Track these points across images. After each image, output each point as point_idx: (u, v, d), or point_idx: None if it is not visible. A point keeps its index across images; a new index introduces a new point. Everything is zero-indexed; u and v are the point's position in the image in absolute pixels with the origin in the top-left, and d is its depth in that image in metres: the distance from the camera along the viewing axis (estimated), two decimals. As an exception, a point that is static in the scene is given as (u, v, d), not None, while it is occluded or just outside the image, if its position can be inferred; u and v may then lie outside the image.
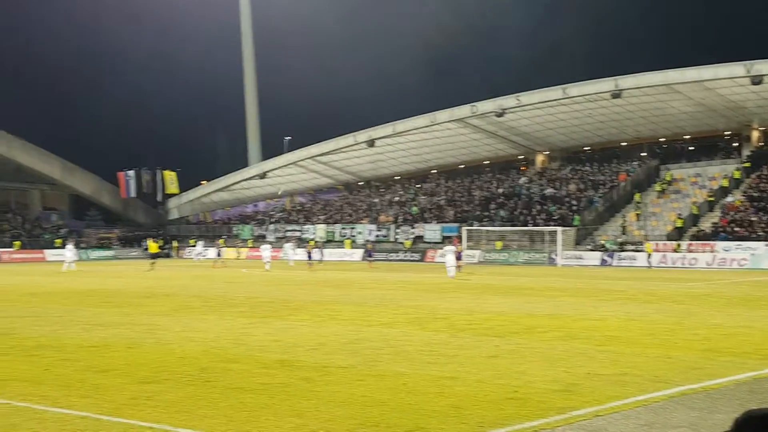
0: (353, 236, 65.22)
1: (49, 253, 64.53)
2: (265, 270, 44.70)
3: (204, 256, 61.14)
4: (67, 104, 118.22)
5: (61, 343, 14.96)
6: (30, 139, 71.14)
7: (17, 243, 65.22)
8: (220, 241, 63.87)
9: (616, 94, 53.04)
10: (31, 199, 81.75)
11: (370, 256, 54.44)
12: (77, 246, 55.17)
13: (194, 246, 67.13)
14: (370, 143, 65.52)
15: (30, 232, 70.25)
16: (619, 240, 53.36)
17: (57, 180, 74.93)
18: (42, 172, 72.43)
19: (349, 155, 70.20)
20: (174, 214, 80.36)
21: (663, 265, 47.89)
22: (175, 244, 73.28)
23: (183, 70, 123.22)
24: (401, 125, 63.97)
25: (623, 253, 51.21)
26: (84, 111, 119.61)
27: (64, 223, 77.24)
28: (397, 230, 63.58)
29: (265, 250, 47.89)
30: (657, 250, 49.78)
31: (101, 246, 72.18)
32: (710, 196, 55.24)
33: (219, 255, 53.86)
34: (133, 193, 76.85)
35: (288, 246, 57.92)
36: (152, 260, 48.26)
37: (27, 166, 70.83)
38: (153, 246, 51.69)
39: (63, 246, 55.80)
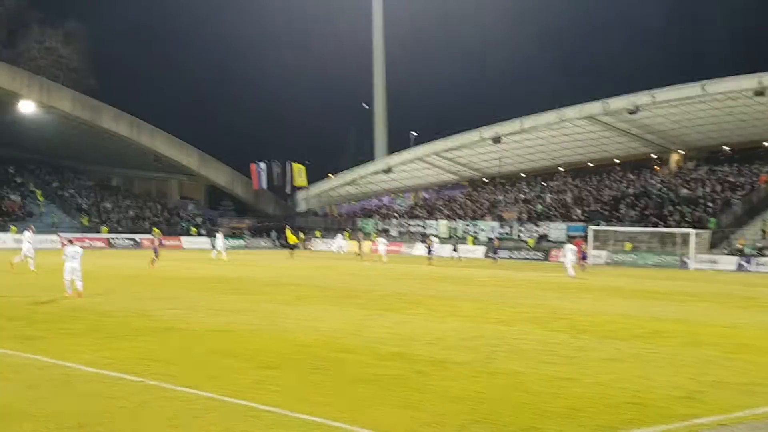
0: (476, 233, 64.87)
1: (186, 241, 67.65)
2: (382, 263, 45.49)
3: (344, 249, 61.95)
4: (206, 99, 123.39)
5: (191, 326, 15.68)
6: (171, 131, 74.70)
7: (157, 231, 68.76)
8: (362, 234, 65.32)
9: (759, 92, 50.24)
10: (170, 188, 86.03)
11: (495, 252, 54.04)
12: (225, 235, 57.42)
13: (320, 237, 68.62)
14: (496, 139, 64.92)
15: (168, 220, 73.85)
16: (759, 244, 50.60)
17: (194, 171, 78.35)
18: (181, 162, 75.90)
19: (474, 151, 69.84)
20: (302, 207, 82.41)
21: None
22: (302, 235, 75.16)
23: (314, 65, 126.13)
24: (528, 122, 63.04)
25: (762, 258, 48.54)
26: (221, 105, 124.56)
27: (200, 212, 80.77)
28: (521, 228, 62.75)
29: (381, 244, 49.08)
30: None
31: (233, 235, 75.00)
32: None
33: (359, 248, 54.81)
34: (264, 185, 79.31)
35: (338, 237, 62.57)
36: (291, 250, 52.01)
37: (167, 156, 74.43)
38: (292, 237, 54.84)
39: (212, 235, 59.63)
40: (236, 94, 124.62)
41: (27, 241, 31.64)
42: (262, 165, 78.60)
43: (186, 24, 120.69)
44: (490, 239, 61.99)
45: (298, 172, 79.47)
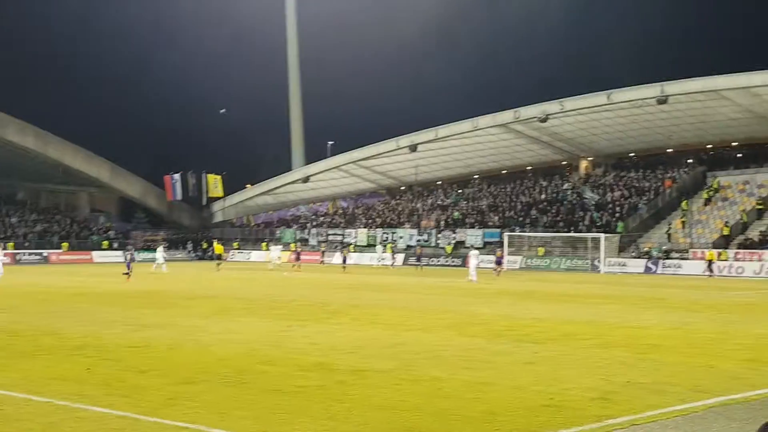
0: (395, 241, 65.26)
1: (97, 255, 65.72)
2: (269, 269, 47.46)
3: (280, 259, 60.87)
4: (117, 109, 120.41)
5: (103, 343, 15.23)
6: (80, 143, 72.63)
7: (65, 244, 66.59)
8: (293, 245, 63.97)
9: (662, 100, 52.28)
10: (80, 201, 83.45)
11: (419, 260, 54.37)
12: (141, 249, 56.36)
13: (237, 249, 67.76)
14: (413, 148, 65.54)
15: (78, 234, 71.64)
16: (664, 247, 52.54)
17: (105, 183, 76.33)
18: (91, 175, 73.86)
19: (392, 160, 70.32)
20: (218, 218, 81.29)
21: (707, 273, 47.00)
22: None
23: (229, 75, 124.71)
24: (443, 130, 63.90)
25: (668, 261, 50.41)
26: (132, 116, 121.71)
27: (111, 225, 78.64)
28: (439, 235, 63.46)
29: (275, 251, 51.21)
30: (702, 258, 48.95)
31: (147, 248, 73.28)
32: (759, 204, 54.11)
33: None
34: (178, 196, 77.92)
35: (274, 248, 60.31)
36: (218, 261, 52.27)
37: (77, 169, 72.30)
38: (219, 248, 55.81)
39: (125, 248, 57.90)
40: (150, 104, 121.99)
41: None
42: (176, 176, 77.21)
43: (97, 34, 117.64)
44: (411, 246, 62.45)
45: (214, 183, 78.37)
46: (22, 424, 8.91)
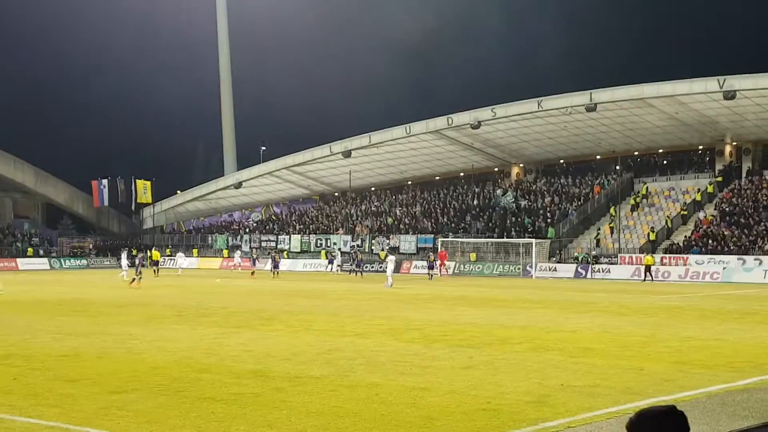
0: (329, 247, 65.10)
1: (22, 262, 63.73)
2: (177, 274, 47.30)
3: (184, 266, 60.52)
4: (41, 112, 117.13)
5: (30, 353, 14.76)
6: (2, 146, 70.40)
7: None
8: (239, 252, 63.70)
9: (591, 108, 53.50)
10: (3, 207, 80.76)
11: (358, 266, 54.04)
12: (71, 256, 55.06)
13: (170, 256, 66.60)
14: (346, 154, 65.53)
15: (2, 241, 69.35)
16: (594, 252, 53.74)
17: (30, 188, 74.11)
18: (14, 180, 71.63)
19: (325, 166, 70.17)
20: (148, 224, 79.77)
21: (636, 278, 48.25)
22: (148, 253, 72.59)
23: (159, 78, 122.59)
24: (377, 136, 64.08)
25: (597, 266, 51.57)
26: (58, 118, 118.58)
27: (36, 232, 76.36)
28: (373, 241, 63.57)
29: (181, 257, 51.75)
30: (630, 263, 50.26)
31: (74, 255, 71.41)
32: (683, 210, 55.84)
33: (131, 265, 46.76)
34: (106, 202, 76.17)
35: (179, 255, 60.44)
36: (155, 268, 52.35)
37: (0, 174, 70.02)
38: (156, 254, 56.15)
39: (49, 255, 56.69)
40: (78, 108, 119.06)
41: None
42: (104, 181, 75.46)
43: (21, 30, 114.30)
44: (349, 252, 62.28)
45: (143, 189, 76.86)
46: (-56, 437, 8.57)
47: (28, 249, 68.25)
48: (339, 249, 63.02)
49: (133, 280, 37.57)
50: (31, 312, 23.52)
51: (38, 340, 16.64)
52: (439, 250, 54.47)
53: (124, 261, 47.21)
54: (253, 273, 49.83)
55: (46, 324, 19.95)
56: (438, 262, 51.75)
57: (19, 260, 64.13)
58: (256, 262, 58.26)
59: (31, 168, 72.78)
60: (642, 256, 49.76)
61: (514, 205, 62.18)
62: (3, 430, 8.86)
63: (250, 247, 68.58)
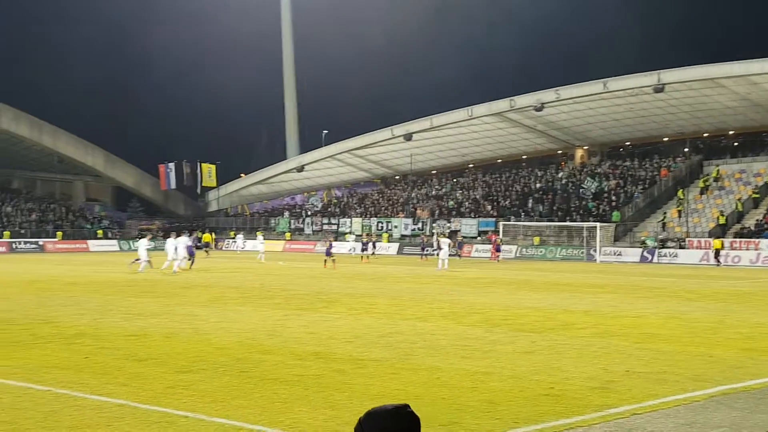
0: (390, 230, 65.22)
1: (93, 244, 65.55)
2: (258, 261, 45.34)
3: (243, 248, 61.64)
4: (111, 98, 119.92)
5: (101, 332, 15.18)
6: (75, 131, 72.38)
7: (59, 233, 66.37)
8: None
9: (659, 89, 52.21)
10: (75, 190, 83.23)
11: (423, 249, 53.77)
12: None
13: (233, 238, 67.74)
14: (407, 137, 65.41)
15: (73, 223, 71.44)
16: (660, 237, 52.60)
17: (100, 172, 76.10)
18: (86, 163, 73.62)
19: (386, 149, 70.17)
20: (213, 207, 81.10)
21: (705, 263, 47.10)
22: (213, 236, 73.92)
23: (224, 64, 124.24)
24: (438, 119, 63.76)
25: (663, 250, 50.48)
26: (127, 104, 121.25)
27: (106, 214, 78.47)
28: (434, 224, 63.43)
29: (260, 243, 49.57)
30: (699, 248, 49.06)
31: (143, 237, 73.06)
32: (755, 193, 54.16)
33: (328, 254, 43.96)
34: (173, 185, 77.72)
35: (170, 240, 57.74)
36: (206, 249, 53.38)
37: (71, 157, 72.04)
38: (207, 237, 57.14)
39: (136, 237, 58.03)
40: (145, 94, 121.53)
41: None
42: (171, 165, 76.97)
43: (93, 23, 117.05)
44: (406, 236, 62.21)
45: (208, 172, 78.15)
46: (22, 412, 8.87)
47: (99, 231, 70.13)
48: (351, 232, 63.01)
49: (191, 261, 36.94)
50: (103, 292, 24.19)
51: (108, 320, 17.10)
52: (496, 235, 54.22)
53: (261, 245, 47.92)
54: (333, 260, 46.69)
55: (116, 304, 20.49)
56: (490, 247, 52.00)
57: (90, 242, 65.99)
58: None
59: (101, 152, 74.69)
60: (711, 240, 48.56)
61: (593, 189, 61.03)
62: (74, 407, 9.13)
63: (312, 231, 69.17)
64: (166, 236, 46.87)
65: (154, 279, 30.57)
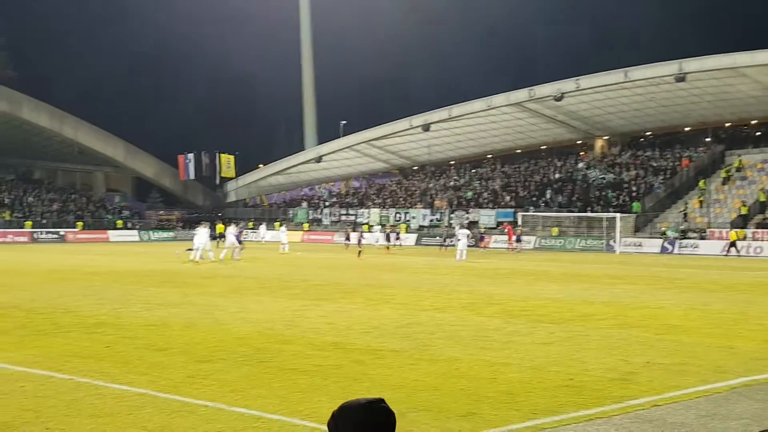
0: (408, 221, 65.19)
1: (113, 234, 66.07)
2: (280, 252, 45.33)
3: (264, 239, 62.03)
4: (132, 89, 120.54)
5: (122, 322, 15.30)
6: (95, 122, 72.85)
7: (80, 224, 66.93)
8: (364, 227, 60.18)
9: (680, 78, 51.72)
10: (95, 180, 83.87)
11: (445, 240, 53.48)
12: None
13: (252, 229, 68.03)
14: (426, 127, 65.27)
15: (94, 213, 72.00)
16: (681, 227, 52.20)
17: (120, 162, 76.60)
18: (106, 154, 74.13)
19: (404, 139, 70.08)
20: (231, 197, 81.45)
21: (737, 254, 46.68)
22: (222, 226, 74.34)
23: (244, 55, 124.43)
24: (457, 109, 63.56)
25: (684, 241, 50.09)
26: (148, 96, 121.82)
27: (127, 205, 79.03)
28: (452, 215, 63.32)
29: (283, 234, 48.86)
30: (720, 238, 48.66)
31: (161, 227, 73.62)
32: (777, 183, 53.60)
33: (356, 241, 45.74)
34: (192, 176, 78.12)
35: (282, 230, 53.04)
36: (220, 239, 52.41)
37: (92, 148, 72.54)
38: (221, 227, 56.60)
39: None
40: (164, 84, 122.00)
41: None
42: (190, 156, 77.37)
43: (112, 15, 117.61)
44: (424, 227, 62.18)
45: (226, 163, 78.49)
46: (44, 401, 8.96)
47: (118, 221, 70.66)
48: (356, 222, 63.28)
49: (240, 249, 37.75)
50: (123, 282, 24.37)
51: (129, 310, 17.23)
52: (516, 225, 54.25)
53: (283, 235, 47.27)
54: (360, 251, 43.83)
55: (136, 294, 20.64)
56: (506, 237, 52.65)
57: (110, 232, 66.51)
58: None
59: (122, 142, 75.16)
60: (734, 231, 48.27)
61: (603, 181, 60.76)
62: (96, 396, 9.21)
63: (330, 221, 69.32)
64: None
65: (173, 270, 30.75)
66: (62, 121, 68.85)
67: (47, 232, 63.25)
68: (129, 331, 14.06)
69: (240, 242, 38.35)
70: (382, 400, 2.77)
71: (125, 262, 35.71)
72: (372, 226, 63.29)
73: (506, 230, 53.76)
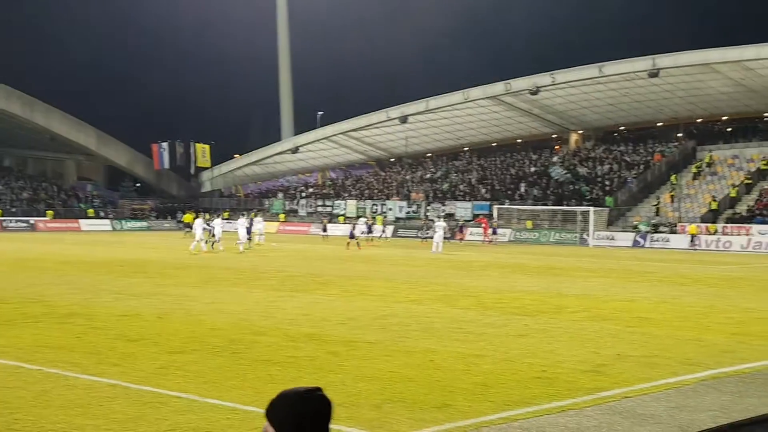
0: (384, 213, 65.21)
1: (84, 223, 65.39)
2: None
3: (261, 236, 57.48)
4: (105, 77, 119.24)
5: (93, 312, 15.15)
6: (67, 110, 71.99)
7: (50, 212, 66.17)
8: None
9: (654, 73, 52.16)
10: (67, 169, 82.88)
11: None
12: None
13: (227, 219, 67.51)
14: (403, 119, 65.27)
15: (65, 202, 71.22)
16: (653, 221, 52.73)
17: (92, 151, 75.76)
18: (78, 142, 73.27)
19: (382, 131, 70.06)
20: (207, 187, 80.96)
21: (697, 247, 47.30)
22: (207, 216, 73.79)
23: (218, 44, 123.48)
24: (434, 102, 63.61)
25: (656, 235, 50.62)
26: (122, 83, 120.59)
27: (98, 194, 78.23)
28: (428, 207, 63.44)
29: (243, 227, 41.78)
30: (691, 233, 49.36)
31: (135, 217, 73.01)
32: (747, 179, 54.29)
33: (360, 233, 44.22)
34: (166, 165, 77.49)
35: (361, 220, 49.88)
36: (186, 230, 52.05)
37: (63, 136, 71.67)
38: (188, 217, 55.40)
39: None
40: (139, 73, 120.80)
41: None
42: (164, 145, 76.72)
43: (86, 1, 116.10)
44: (400, 219, 62.24)
45: (202, 152, 77.95)
46: (13, 391, 8.85)
47: (90, 210, 69.94)
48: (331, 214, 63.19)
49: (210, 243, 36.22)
50: (94, 272, 24.14)
51: (100, 300, 17.07)
52: (492, 218, 54.52)
53: (254, 228, 42.14)
54: (357, 243, 42.68)
55: (108, 284, 20.45)
56: (482, 229, 53.04)
57: (81, 221, 65.83)
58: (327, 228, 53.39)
59: (94, 130, 74.32)
60: (694, 225, 49.36)
61: (563, 178, 61.17)
62: (66, 387, 9.11)
63: (307, 212, 69.14)
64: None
65: (146, 260, 30.51)
66: (34, 108, 67.95)
67: (17, 221, 62.47)
68: (100, 322, 13.93)
69: (249, 235, 38.49)
70: (319, 389, 2.79)
71: (97, 251, 35.38)
72: (360, 217, 62.95)
73: (482, 224, 53.97)
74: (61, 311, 15.19)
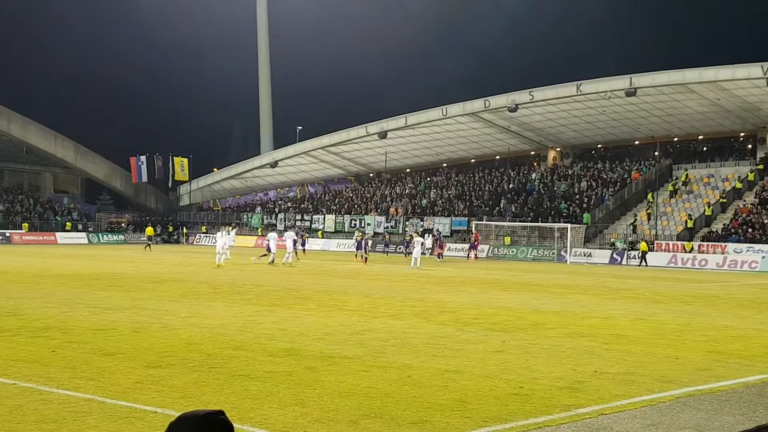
0: (363, 227, 65.20)
1: (61, 236, 64.80)
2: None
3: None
4: (82, 89, 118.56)
5: (68, 326, 15.00)
6: (45, 122, 71.47)
7: (26, 225, 65.52)
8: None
9: (631, 92, 52.75)
10: (44, 181, 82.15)
11: (406, 247, 53.31)
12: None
13: (205, 233, 67.30)
14: (382, 135, 65.45)
15: (41, 215, 70.55)
16: (630, 238, 53.16)
17: (70, 163, 75.22)
18: (55, 155, 72.72)
19: (361, 146, 70.19)
20: (185, 201, 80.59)
21: (673, 265, 47.72)
22: (184, 230, 73.51)
23: (198, 59, 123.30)
24: (413, 117, 63.88)
25: (633, 252, 51.01)
26: (99, 95, 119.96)
27: (75, 206, 77.59)
28: (407, 223, 63.53)
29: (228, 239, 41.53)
30: (667, 250, 49.78)
31: (112, 230, 72.46)
32: (723, 198, 54.94)
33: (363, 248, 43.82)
34: (144, 179, 77.09)
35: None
36: (147, 243, 54.85)
37: (40, 148, 71.11)
38: (150, 230, 58.69)
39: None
40: (117, 85, 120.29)
41: None
42: (142, 158, 76.36)
43: (66, 14, 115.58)
44: (378, 233, 62.30)
45: (180, 166, 77.65)
46: (-15, 406, 8.73)
47: (67, 223, 69.34)
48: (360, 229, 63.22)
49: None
50: (70, 285, 23.91)
51: (76, 314, 16.90)
52: (472, 233, 54.75)
53: (220, 241, 37.73)
54: (363, 256, 43.10)
55: (83, 298, 20.26)
56: (470, 245, 52.85)
57: (58, 234, 65.28)
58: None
59: (71, 143, 73.82)
60: (644, 242, 50.01)
61: (563, 190, 61.72)
62: (41, 402, 9.01)
63: (285, 226, 68.96)
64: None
65: (123, 273, 30.27)
66: (10, 120, 67.41)
67: (-8, 233, 61.76)
68: (76, 336, 13.79)
69: (295, 248, 39.79)
70: (221, 412, 2.73)
71: (73, 264, 35.05)
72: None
73: (477, 240, 53.53)
74: (36, 325, 15.02)
